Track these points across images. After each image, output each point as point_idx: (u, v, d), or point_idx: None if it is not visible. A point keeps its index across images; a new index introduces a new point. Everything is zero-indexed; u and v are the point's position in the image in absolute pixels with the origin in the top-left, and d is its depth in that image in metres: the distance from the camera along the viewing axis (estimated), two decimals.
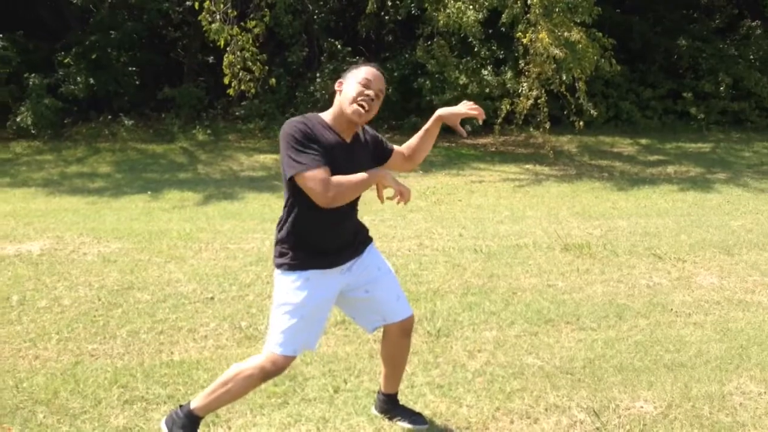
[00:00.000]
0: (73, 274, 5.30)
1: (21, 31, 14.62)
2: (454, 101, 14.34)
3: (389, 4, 15.22)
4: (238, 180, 9.87)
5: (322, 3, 15.96)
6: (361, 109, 2.65)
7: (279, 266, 2.78)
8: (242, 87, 11.61)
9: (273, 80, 12.09)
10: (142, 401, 3.38)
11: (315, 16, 15.95)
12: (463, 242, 6.31)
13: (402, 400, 3.36)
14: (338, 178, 2.58)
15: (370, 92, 2.67)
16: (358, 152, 2.76)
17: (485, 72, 14.46)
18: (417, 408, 3.29)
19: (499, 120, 11.06)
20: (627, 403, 3.33)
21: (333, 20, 16.25)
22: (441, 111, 2.97)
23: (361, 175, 2.64)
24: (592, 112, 10.51)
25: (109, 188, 9.49)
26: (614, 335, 4.11)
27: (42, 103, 13.25)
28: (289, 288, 2.76)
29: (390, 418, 3.18)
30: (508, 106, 10.79)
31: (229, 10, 11.47)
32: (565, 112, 11.45)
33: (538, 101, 10.45)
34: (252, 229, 6.69)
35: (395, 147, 3.02)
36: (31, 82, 13.63)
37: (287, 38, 15.61)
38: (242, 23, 11.75)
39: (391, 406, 3.20)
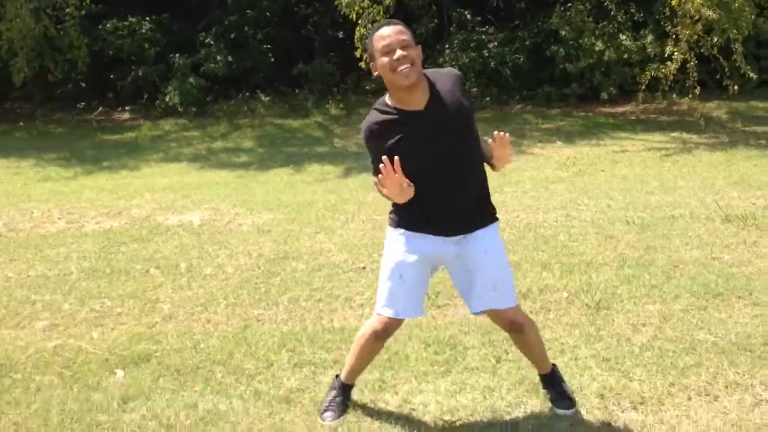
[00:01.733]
0: (232, 243, 5.56)
1: (166, 14, 15.40)
2: (590, 69, 13.83)
3: None
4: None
5: None
6: (404, 72, 2.51)
7: (389, 219, 2.83)
8: None
9: None
10: (310, 365, 3.51)
11: None
12: (612, 213, 6.08)
13: (567, 372, 3.30)
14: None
15: (398, 54, 2.51)
16: (441, 112, 2.62)
17: (623, 37, 13.79)
18: (584, 382, 3.22)
19: (643, 87, 10.53)
20: None
21: None
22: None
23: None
24: (751, 74, 9.77)
25: (253, 162, 9.89)
26: None
27: (187, 82, 13.93)
28: (391, 244, 2.79)
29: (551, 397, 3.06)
30: (653, 72, 10.23)
31: None
32: (717, 76, 10.72)
33: (687, 65, 9.84)
34: None
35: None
36: (176, 62, 14.37)
37: (417, 9, 15.55)
38: None
39: (548, 384, 3.08)
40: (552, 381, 3.07)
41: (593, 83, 13.90)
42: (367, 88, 15.49)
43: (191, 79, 13.98)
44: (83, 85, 15.90)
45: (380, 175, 2.52)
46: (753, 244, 5.06)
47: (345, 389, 3.09)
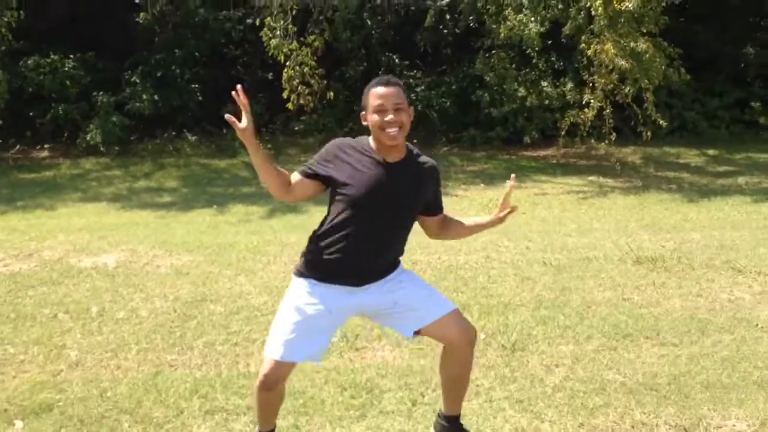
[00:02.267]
0: (149, 285, 5.41)
1: (91, 53, 15.11)
2: (513, 113, 14.28)
3: (447, 17, 15.23)
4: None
5: (380, 18, 16.06)
6: (390, 134, 2.62)
7: (294, 270, 2.85)
8: (301, 101, 11.76)
9: (331, 94, 12.23)
10: (222, 412, 3.41)
11: (373, 31, 16.06)
12: (531, 255, 6.22)
13: (481, 414, 3.32)
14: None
15: (390, 117, 2.61)
16: (402, 175, 2.70)
17: (544, 83, 14.34)
18: (497, 424, 3.24)
19: (563, 132, 10.92)
20: (718, 421, 3.21)
21: (391, 35, 16.33)
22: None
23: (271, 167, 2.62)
24: (661, 122, 10.27)
25: (176, 202, 9.71)
26: (698, 351, 3.98)
27: (110, 121, 13.65)
28: (293, 291, 2.78)
29: None
30: (572, 118, 10.63)
31: (289, 26, 11.65)
32: (632, 123, 11.24)
33: (603, 112, 10.27)
34: None
35: (442, 213, 2.94)
36: (99, 100, 14.07)
37: (345, 53, 15.77)
38: (302, 38, 11.93)
39: (453, 430, 3.02)
40: (459, 425, 3.04)
41: (516, 127, 14.34)
42: (296, 129, 15.51)
43: (114, 118, 13.71)
44: (0, 122, 15.34)
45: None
46: (661, 285, 5.25)
47: None
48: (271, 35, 11.22)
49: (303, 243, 2.85)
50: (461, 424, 3.06)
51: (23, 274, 5.76)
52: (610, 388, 3.55)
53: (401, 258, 2.92)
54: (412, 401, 3.49)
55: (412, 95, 15.28)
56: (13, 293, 5.23)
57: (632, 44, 9.46)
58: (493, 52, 14.38)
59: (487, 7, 12.70)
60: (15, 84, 13.57)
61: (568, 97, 13.73)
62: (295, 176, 2.70)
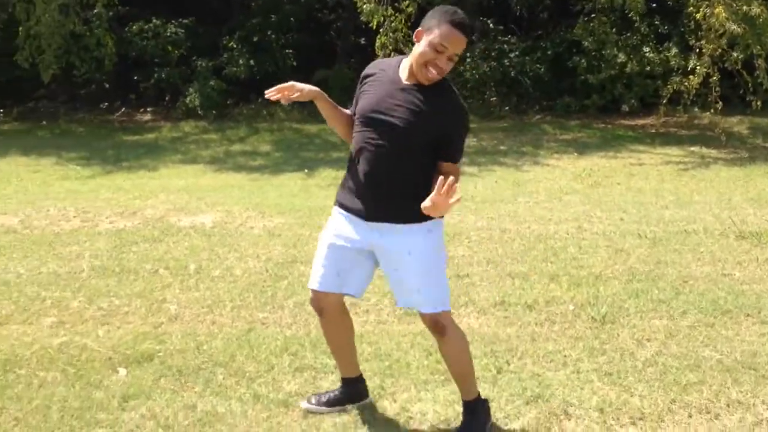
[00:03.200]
0: (242, 246, 5.59)
1: (192, 18, 15.53)
2: (611, 80, 13.74)
3: None
4: None
5: None
6: (430, 76, 2.56)
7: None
8: None
9: None
10: (311, 369, 3.51)
11: None
12: (624, 227, 6.03)
13: (568, 385, 3.28)
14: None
15: (443, 61, 2.54)
16: (408, 98, 2.61)
17: (646, 49, 13.70)
18: (584, 395, 3.19)
19: (664, 99, 10.44)
20: None
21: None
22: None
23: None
24: None
25: (269, 166, 9.94)
26: None
27: (208, 85, 14.05)
28: (329, 220, 2.90)
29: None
30: (676, 85, 10.14)
31: None
32: (741, 92, 10.61)
33: (710, 80, 9.74)
34: None
35: (447, 165, 2.65)
36: (198, 65, 14.49)
37: None
38: (395, 4, 11.83)
39: (463, 411, 2.94)
40: (472, 411, 2.90)
41: (614, 95, 13.81)
42: None
43: (212, 83, 14.09)
44: (106, 85, 16.08)
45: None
46: (765, 261, 5.00)
47: (342, 383, 3.17)
48: (365, 1, 11.17)
49: None
50: (482, 409, 2.95)
51: (127, 230, 6.07)
52: (705, 366, 3.43)
53: (424, 221, 2.66)
54: (498, 368, 3.49)
55: (506, 61, 14.95)
56: (118, 249, 5.52)
57: (745, 8, 8.89)
58: (593, 15, 13.86)
59: None
60: (120, 49, 14.15)
61: (672, 63, 13.08)
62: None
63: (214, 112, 14.03)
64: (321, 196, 7.44)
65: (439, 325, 2.77)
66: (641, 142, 11.30)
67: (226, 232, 6.03)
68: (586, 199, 7.22)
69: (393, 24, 11.46)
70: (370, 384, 3.29)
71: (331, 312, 2.97)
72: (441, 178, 2.41)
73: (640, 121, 13.31)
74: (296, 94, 2.73)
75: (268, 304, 4.40)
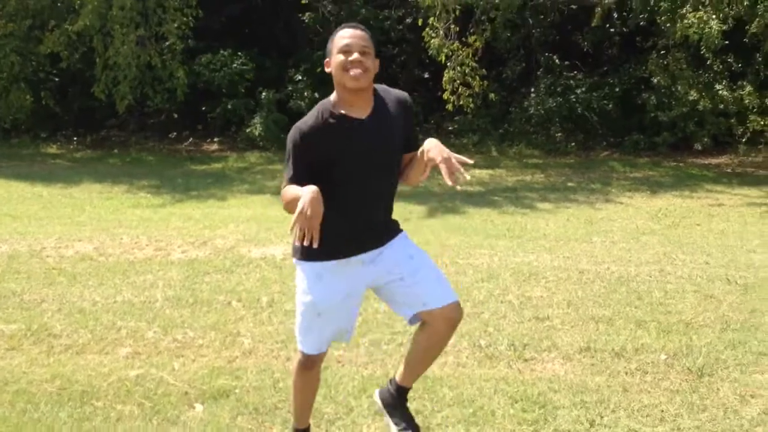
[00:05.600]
0: None
1: (256, 49, 15.83)
2: (682, 118, 13.38)
3: (615, 16, 14.55)
4: (457, 194, 9.85)
5: (542, 17, 15.66)
6: (354, 75, 2.48)
7: (293, 255, 2.74)
8: (461, 102, 11.67)
9: (493, 95, 12.02)
10: None
11: (533, 30, 15.69)
12: (711, 271, 5.74)
13: None
14: (285, 191, 2.54)
15: (355, 55, 2.48)
16: (376, 130, 2.57)
17: (719, 86, 13.35)
18: None
19: (744, 139, 10.09)
20: None
21: (552, 34, 15.88)
22: (432, 149, 2.50)
23: (297, 194, 2.41)
24: None
25: None
26: None
27: (271, 117, 14.26)
28: (302, 282, 2.70)
29: (387, 414, 2.94)
30: (756, 125, 9.79)
31: (452, 26, 11.60)
32: None
33: None
34: (478, 244, 6.60)
35: (415, 151, 2.64)
36: (263, 97, 14.72)
37: (505, 52, 15.52)
38: (463, 38, 11.84)
39: (399, 402, 2.92)
40: (405, 399, 2.95)
41: (686, 133, 13.45)
42: (450, 129, 15.46)
43: (274, 115, 14.29)
44: (175, 116, 16.49)
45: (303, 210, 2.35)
46: None
47: None
48: (433, 35, 11.20)
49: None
50: (407, 399, 2.96)
51: (199, 260, 6.07)
52: None
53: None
54: (590, 421, 3.28)
55: (572, 97, 14.73)
56: (191, 279, 5.51)
57: None
58: (663, 52, 13.59)
59: (661, 4, 11.99)
60: (189, 80, 14.52)
61: (746, 101, 12.71)
62: (292, 185, 2.53)
63: (275, 144, 14.18)
64: None
65: (458, 319, 2.74)
66: (717, 182, 10.91)
67: None
68: (666, 240, 6.94)
69: (460, 58, 11.45)
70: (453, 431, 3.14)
71: (320, 367, 2.94)
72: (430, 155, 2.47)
73: (714, 160, 12.90)
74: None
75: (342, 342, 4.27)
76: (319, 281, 2.69)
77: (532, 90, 15.49)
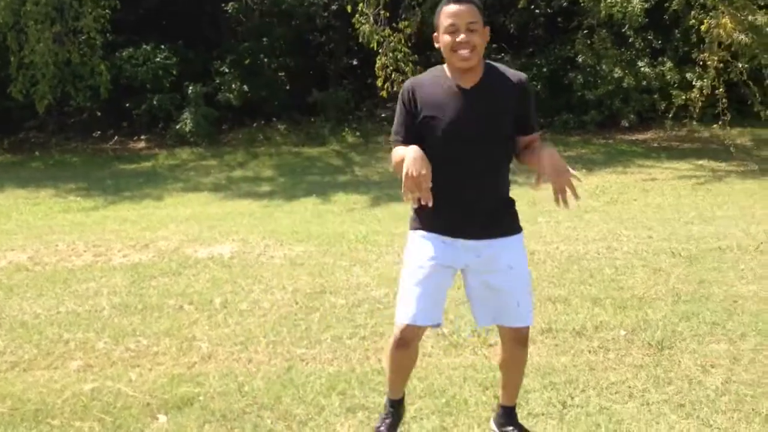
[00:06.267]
0: (266, 276, 5.39)
1: (180, 42, 15.36)
2: (609, 96, 13.71)
3: None
4: (396, 182, 9.81)
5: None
6: (463, 56, 2.48)
7: (409, 221, 2.76)
8: (395, 88, 11.60)
9: None
10: (363, 409, 3.31)
11: None
12: (655, 245, 5.90)
13: (641, 419, 3.10)
14: (393, 153, 2.60)
15: (461, 36, 2.46)
16: (479, 99, 2.55)
17: (641, 63, 13.74)
18: (661, 429, 3.01)
19: (670, 114, 10.41)
20: None
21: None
22: (547, 166, 2.49)
23: (402, 155, 2.49)
24: None
25: (276, 192, 9.76)
26: None
27: (200, 111, 13.89)
28: (410, 247, 2.70)
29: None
30: (680, 99, 10.11)
31: (381, 12, 11.50)
32: (748, 103, 10.57)
33: (716, 92, 9.71)
34: None
35: (533, 134, 2.66)
36: (190, 91, 14.30)
37: (432, 37, 15.53)
38: (393, 24, 11.76)
39: (506, 420, 2.94)
40: (514, 416, 2.97)
41: (612, 110, 13.80)
42: (383, 116, 15.41)
43: (204, 108, 13.93)
44: (98, 114, 15.85)
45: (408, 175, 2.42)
46: None
47: (394, 405, 2.99)
48: (363, 21, 11.08)
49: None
50: (515, 415, 2.99)
51: (143, 264, 5.85)
52: None
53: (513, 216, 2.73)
54: (562, 403, 3.30)
55: None
56: (136, 284, 5.29)
57: (750, 17, 8.88)
58: (586, 31, 13.85)
59: None
60: (111, 76, 13.96)
61: (668, 77, 13.12)
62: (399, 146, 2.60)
63: (206, 138, 13.85)
64: (337, 222, 7.27)
65: (527, 336, 2.78)
66: (647, 157, 11.25)
67: (247, 262, 5.82)
68: (608, 217, 7.10)
69: (392, 44, 11.38)
70: (429, 424, 3.14)
71: (416, 344, 2.81)
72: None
73: (641, 136, 13.30)
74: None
75: (304, 339, 4.19)
76: (420, 245, 2.67)
77: None
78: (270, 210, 8.37)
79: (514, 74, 2.62)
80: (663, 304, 4.50)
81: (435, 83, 2.60)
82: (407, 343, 2.74)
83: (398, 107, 2.66)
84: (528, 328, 2.76)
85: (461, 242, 2.64)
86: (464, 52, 2.47)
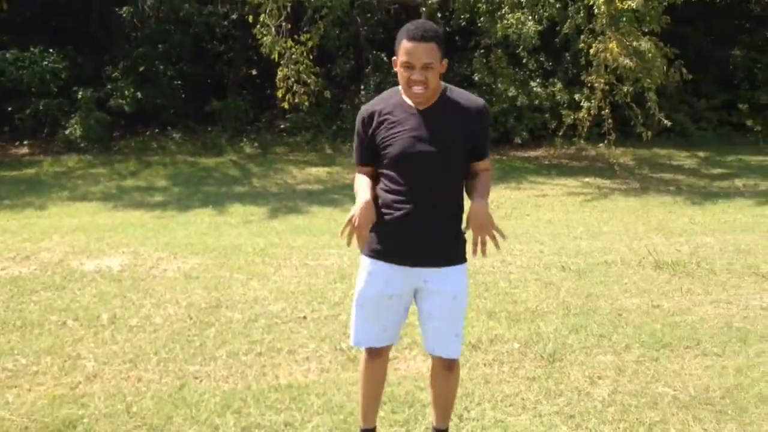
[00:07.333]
0: (158, 290, 5.18)
1: (71, 46, 14.69)
2: (503, 113, 14.16)
3: (438, 15, 15.09)
4: (296, 193, 9.78)
5: (369, 15, 15.89)
6: (416, 92, 2.52)
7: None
8: (296, 100, 11.54)
9: (328, 92, 12.00)
10: (259, 428, 3.23)
11: (361, 29, 15.88)
12: (546, 259, 6.11)
13: (533, 431, 3.18)
14: (354, 181, 2.69)
15: (416, 75, 2.48)
16: (433, 121, 2.56)
17: (533, 84, 14.29)
18: None
19: (560, 133, 10.86)
20: None
21: (380, 33, 16.16)
22: (472, 219, 2.57)
23: (357, 191, 2.62)
24: (664, 122, 10.25)
25: (170, 202, 9.45)
26: (744, 362, 3.87)
27: (91, 117, 13.30)
28: (359, 271, 2.75)
29: None
30: (568, 119, 10.57)
31: (283, 23, 11.43)
32: (632, 123, 11.16)
33: (602, 112, 10.22)
34: (326, 244, 6.54)
35: (481, 163, 2.68)
36: (80, 96, 13.69)
37: (333, 51, 15.56)
38: (295, 36, 11.70)
39: None
40: None
41: (506, 127, 14.25)
42: (282, 127, 15.27)
43: (95, 114, 13.35)
44: None
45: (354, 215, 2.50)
46: (688, 291, 5.16)
47: None
48: (265, 32, 10.96)
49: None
50: None
51: (24, 277, 5.49)
52: (663, 402, 3.43)
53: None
54: (458, 416, 3.34)
55: None
56: (16, 299, 4.96)
57: (635, 43, 9.42)
58: (482, 50, 14.27)
59: (479, 5, 12.59)
60: None
61: (558, 97, 13.71)
62: (360, 176, 2.69)
63: (96, 144, 13.27)
64: (234, 234, 7.11)
65: (457, 362, 2.83)
66: (539, 174, 11.67)
67: (138, 275, 5.58)
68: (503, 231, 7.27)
69: (294, 56, 11.32)
70: None
71: (387, 354, 2.88)
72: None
73: (533, 153, 13.79)
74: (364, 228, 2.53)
75: (198, 356, 4.05)
76: (368, 275, 2.70)
77: (362, 87, 15.68)
78: (163, 221, 8.08)
79: (473, 99, 2.64)
80: (554, 317, 4.65)
81: (390, 104, 2.63)
82: (367, 362, 2.85)
83: (356, 132, 2.71)
84: (458, 361, 2.84)
85: (408, 269, 2.65)
86: (418, 89, 2.50)
